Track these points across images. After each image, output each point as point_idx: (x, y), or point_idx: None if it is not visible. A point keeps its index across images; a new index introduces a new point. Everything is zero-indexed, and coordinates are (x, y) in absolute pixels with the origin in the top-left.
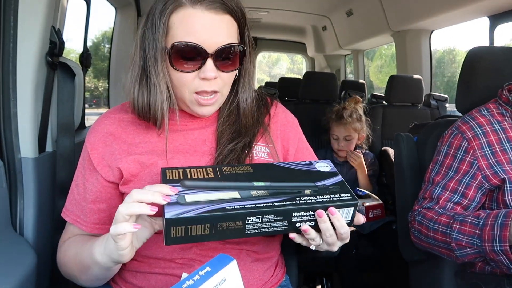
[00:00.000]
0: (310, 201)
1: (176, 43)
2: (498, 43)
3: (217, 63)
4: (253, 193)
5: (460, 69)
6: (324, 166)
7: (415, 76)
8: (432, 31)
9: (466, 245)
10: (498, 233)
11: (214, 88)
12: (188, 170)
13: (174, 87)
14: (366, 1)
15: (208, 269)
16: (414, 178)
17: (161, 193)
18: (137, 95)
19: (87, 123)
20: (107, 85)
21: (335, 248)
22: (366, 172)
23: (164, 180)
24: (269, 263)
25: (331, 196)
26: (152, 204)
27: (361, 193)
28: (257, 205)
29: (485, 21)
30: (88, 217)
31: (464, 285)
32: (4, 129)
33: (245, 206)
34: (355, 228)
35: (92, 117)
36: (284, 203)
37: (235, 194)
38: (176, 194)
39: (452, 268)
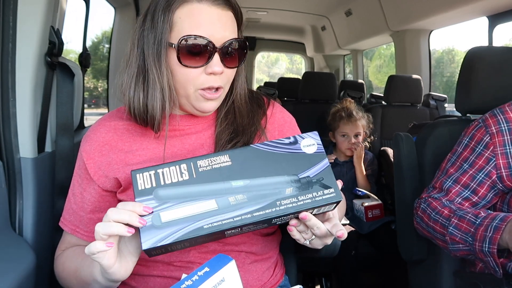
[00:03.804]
0: (291, 205)
1: (185, 37)
2: (497, 43)
3: (223, 58)
4: (231, 199)
5: (459, 69)
6: (309, 144)
7: (414, 76)
8: (431, 31)
9: (459, 241)
10: (490, 234)
11: (220, 84)
12: (160, 171)
13: (178, 84)
14: (365, 1)
15: (206, 269)
16: (413, 178)
17: (135, 213)
18: (133, 95)
19: (86, 123)
20: (106, 85)
21: (329, 241)
22: (364, 170)
23: (136, 190)
24: (268, 264)
25: (313, 195)
26: (128, 224)
27: (360, 193)
28: (235, 219)
29: (484, 21)
30: (88, 227)
31: (463, 285)
32: (3, 129)
33: (223, 222)
34: (354, 228)
35: (91, 117)
36: (264, 212)
37: (212, 204)
38: (150, 213)
39: (451, 268)
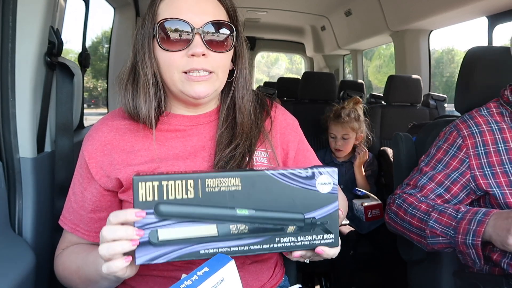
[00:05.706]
0: (288, 244)
1: (161, 20)
2: (496, 43)
3: (206, 40)
4: (232, 228)
5: (458, 69)
6: (325, 182)
7: (414, 76)
8: (431, 31)
9: (440, 234)
10: (474, 228)
11: (204, 66)
12: (165, 183)
13: (163, 72)
14: (365, 1)
15: (206, 269)
16: None
17: (131, 225)
18: (125, 95)
19: (85, 123)
20: (106, 85)
21: (329, 257)
22: (363, 173)
23: (136, 201)
24: (268, 264)
25: (313, 237)
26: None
27: (360, 193)
28: (232, 249)
29: (483, 21)
30: (89, 226)
31: (462, 285)
32: (2, 129)
33: (220, 249)
34: (353, 228)
35: (91, 117)
36: (261, 246)
37: (212, 229)
38: (148, 226)
39: (450, 268)
